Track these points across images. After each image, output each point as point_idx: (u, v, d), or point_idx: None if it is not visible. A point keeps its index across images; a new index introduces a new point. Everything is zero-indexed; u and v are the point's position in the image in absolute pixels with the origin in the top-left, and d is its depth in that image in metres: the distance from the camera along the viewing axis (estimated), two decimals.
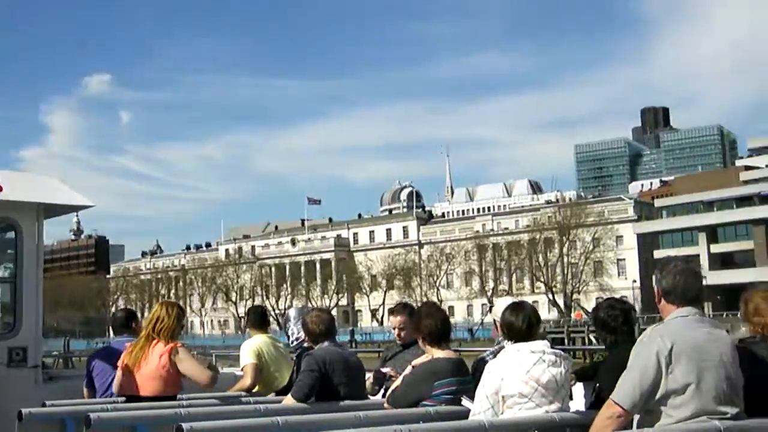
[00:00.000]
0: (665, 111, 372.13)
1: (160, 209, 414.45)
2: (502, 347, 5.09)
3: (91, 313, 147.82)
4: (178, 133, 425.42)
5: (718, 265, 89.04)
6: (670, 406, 3.92)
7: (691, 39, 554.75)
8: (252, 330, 7.76)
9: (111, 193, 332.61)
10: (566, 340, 65.99)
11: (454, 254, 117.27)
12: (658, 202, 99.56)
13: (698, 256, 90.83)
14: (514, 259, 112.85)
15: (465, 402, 5.21)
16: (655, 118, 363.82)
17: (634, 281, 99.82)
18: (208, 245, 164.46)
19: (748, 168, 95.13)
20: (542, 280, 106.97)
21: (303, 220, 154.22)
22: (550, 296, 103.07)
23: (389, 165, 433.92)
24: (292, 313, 7.23)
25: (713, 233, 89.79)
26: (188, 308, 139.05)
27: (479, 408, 4.67)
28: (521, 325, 4.80)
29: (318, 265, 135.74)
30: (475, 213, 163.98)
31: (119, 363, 6.16)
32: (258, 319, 7.82)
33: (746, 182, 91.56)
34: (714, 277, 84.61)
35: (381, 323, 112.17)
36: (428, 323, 5.49)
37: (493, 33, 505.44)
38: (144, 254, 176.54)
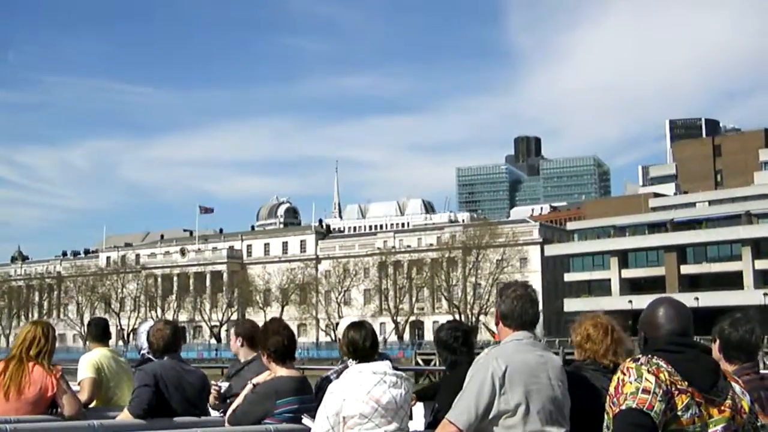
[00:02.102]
0: (537, 140, 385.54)
1: (19, 214, 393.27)
2: (347, 366, 5.08)
3: None
4: (40, 136, 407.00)
5: (627, 290, 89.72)
6: (502, 427, 4.04)
7: (558, 73, 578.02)
8: (92, 343, 7.41)
9: None
10: None
11: (357, 270, 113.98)
12: (570, 225, 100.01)
13: (609, 280, 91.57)
14: (417, 278, 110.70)
15: (306, 420, 5.14)
16: (528, 147, 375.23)
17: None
18: (87, 252, 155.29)
19: (657, 195, 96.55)
20: (447, 299, 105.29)
21: (191, 231, 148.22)
22: (457, 316, 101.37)
23: (261, 181, 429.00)
24: (143, 326, 7.14)
25: (624, 258, 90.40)
26: (64, 319, 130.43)
27: (319, 428, 4.64)
28: (364, 342, 4.91)
29: (209, 277, 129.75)
30: (368, 230, 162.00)
31: None
32: (99, 332, 7.50)
33: (654, 209, 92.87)
34: (624, 302, 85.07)
35: None
36: (275, 340, 5.44)
37: (367, 56, 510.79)
38: (14, 259, 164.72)
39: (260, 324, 6.11)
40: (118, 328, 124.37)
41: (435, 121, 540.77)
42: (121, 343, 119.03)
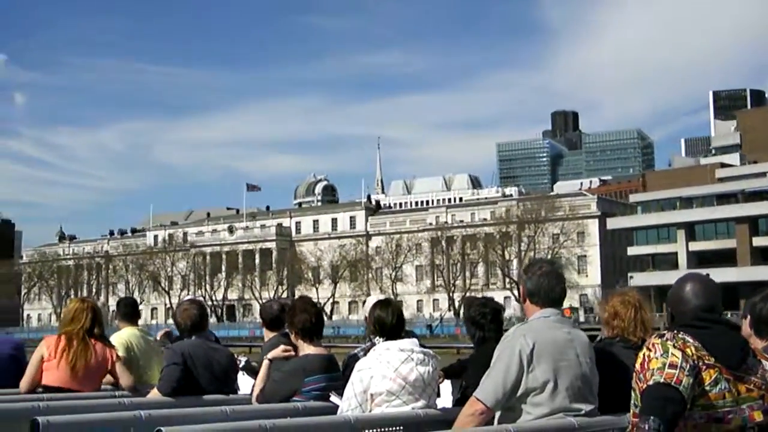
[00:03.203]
0: (575, 115, 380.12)
1: (57, 196, 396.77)
2: (374, 344, 5.07)
3: (3, 299, 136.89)
4: (74, 118, 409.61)
5: (695, 263, 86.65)
6: (530, 404, 4.03)
7: (591, 47, 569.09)
8: (122, 323, 7.42)
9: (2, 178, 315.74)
10: None
11: (410, 246, 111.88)
12: (633, 197, 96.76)
13: (676, 253, 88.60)
14: (472, 253, 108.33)
15: (333, 398, 5.14)
16: (565, 122, 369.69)
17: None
18: (134, 231, 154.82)
19: (724, 165, 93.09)
20: (506, 274, 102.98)
21: (237, 210, 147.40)
22: (516, 292, 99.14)
23: (292, 159, 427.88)
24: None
25: (691, 230, 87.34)
26: (114, 297, 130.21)
27: (347, 406, 4.68)
28: (391, 320, 4.95)
29: (258, 255, 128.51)
30: (414, 206, 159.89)
31: (49, 354, 5.98)
32: (129, 311, 7.50)
33: (722, 180, 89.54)
34: None
35: (330, 317, 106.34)
36: (303, 318, 5.43)
37: (394, 33, 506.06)
38: (62, 239, 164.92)
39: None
40: (167, 306, 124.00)
41: (465, 98, 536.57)
42: (171, 321, 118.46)
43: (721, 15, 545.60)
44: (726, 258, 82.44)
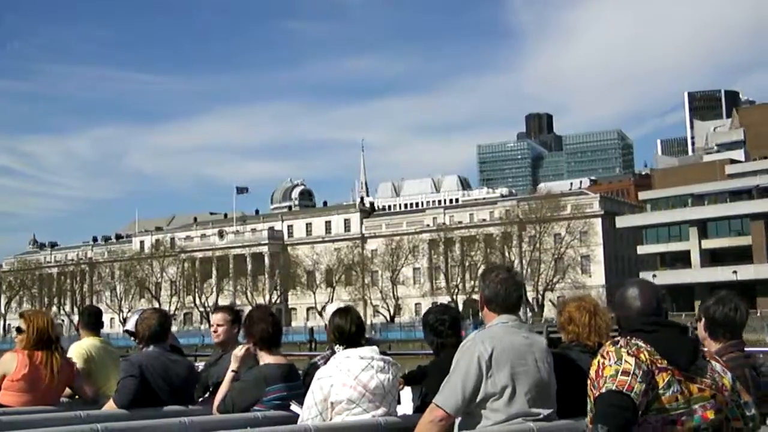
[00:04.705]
0: (549, 117, 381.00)
1: (26, 204, 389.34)
2: (334, 352, 5.08)
3: None
4: (44, 125, 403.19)
5: (709, 261, 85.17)
6: (489, 409, 4.05)
7: (561, 50, 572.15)
8: (83, 331, 7.24)
9: None
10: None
11: (411, 248, 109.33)
12: (642, 195, 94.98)
13: (688, 251, 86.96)
14: (474, 254, 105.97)
15: (294, 407, 5.10)
16: (539, 124, 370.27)
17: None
18: (118, 237, 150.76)
19: (733, 161, 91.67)
20: None
21: (225, 214, 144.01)
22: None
23: (268, 165, 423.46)
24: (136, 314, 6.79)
25: (704, 228, 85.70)
26: (100, 305, 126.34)
27: (307, 414, 4.65)
28: (350, 327, 4.89)
29: (249, 259, 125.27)
30: (403, 208, 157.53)
31: (12, 374, 5.84)
32: (92, 321, 7.29)
33: (731, 176, 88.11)
34: (707, 274, 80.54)
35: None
36: (260, 328, 5.39)
37: (368, 38, 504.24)
38: (42, 246, 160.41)
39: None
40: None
41: (439, 102, 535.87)
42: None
43: (692, 17, 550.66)
44: (741, 255, 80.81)
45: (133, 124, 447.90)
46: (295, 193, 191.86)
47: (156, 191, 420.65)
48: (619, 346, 3.32)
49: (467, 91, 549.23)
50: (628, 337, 3.34)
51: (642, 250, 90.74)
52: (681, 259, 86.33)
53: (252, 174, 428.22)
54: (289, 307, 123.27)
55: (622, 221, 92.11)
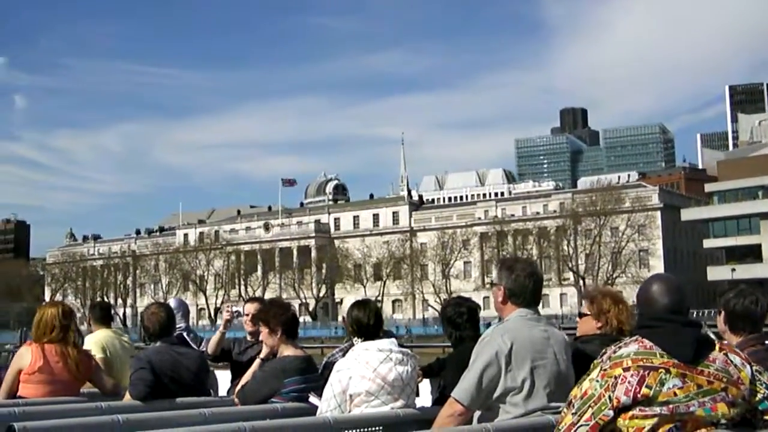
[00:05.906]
0: (584, 112, 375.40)
1: (56, 199, 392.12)
2: (353, 345, 5.10)
3: (29, 302, 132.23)
4: (73, 120, 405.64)
5: None
6: (509, 404, 4.03)
7: (593, 45, 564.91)
8: (95, 325, 7.31)
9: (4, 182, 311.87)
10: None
11: (464, 241, 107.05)
12: (708, 187, 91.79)
13: (759, 245, 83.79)
14: (531, 247, 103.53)
15: (312, 399, 5.12)
16: (574, 119, 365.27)
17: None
18: (162, 229, 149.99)
19: None
20: (573, 270, 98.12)
21: (269, 207, 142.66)
22: (579, 287, 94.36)
23: (295, 160, 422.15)
24: (172, 303, 7.15)
25: None
26: (143, 298, 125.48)
27: (326, 407, 4.66)
28: (368, 320, 4.97)
29: (295, 252, 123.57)
30: (447, 201, 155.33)
31: (29, 367, 5.79)
32: (103, 314, 7.45)
33: None
34: None
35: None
36: (284, 318, 5.40)
37: (394, 33, 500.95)
38: (85, 239, 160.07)
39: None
40: (198, 307, 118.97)
41: (467, 98, 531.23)
42: (208, 322, 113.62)
43: (728, 11, 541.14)
44: None
45: (160, 119, 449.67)
46: (329, 188, 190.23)
47: (187, 186, 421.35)
48: (601, 359, 3.25)
49: (496, 87, 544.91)
50: (623, 343, 3.26)
51: (708, 243, 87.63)
52: (751, 253, 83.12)
53: (278, 169, 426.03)
54: (335, 301, 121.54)
55: (688, 214, 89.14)
